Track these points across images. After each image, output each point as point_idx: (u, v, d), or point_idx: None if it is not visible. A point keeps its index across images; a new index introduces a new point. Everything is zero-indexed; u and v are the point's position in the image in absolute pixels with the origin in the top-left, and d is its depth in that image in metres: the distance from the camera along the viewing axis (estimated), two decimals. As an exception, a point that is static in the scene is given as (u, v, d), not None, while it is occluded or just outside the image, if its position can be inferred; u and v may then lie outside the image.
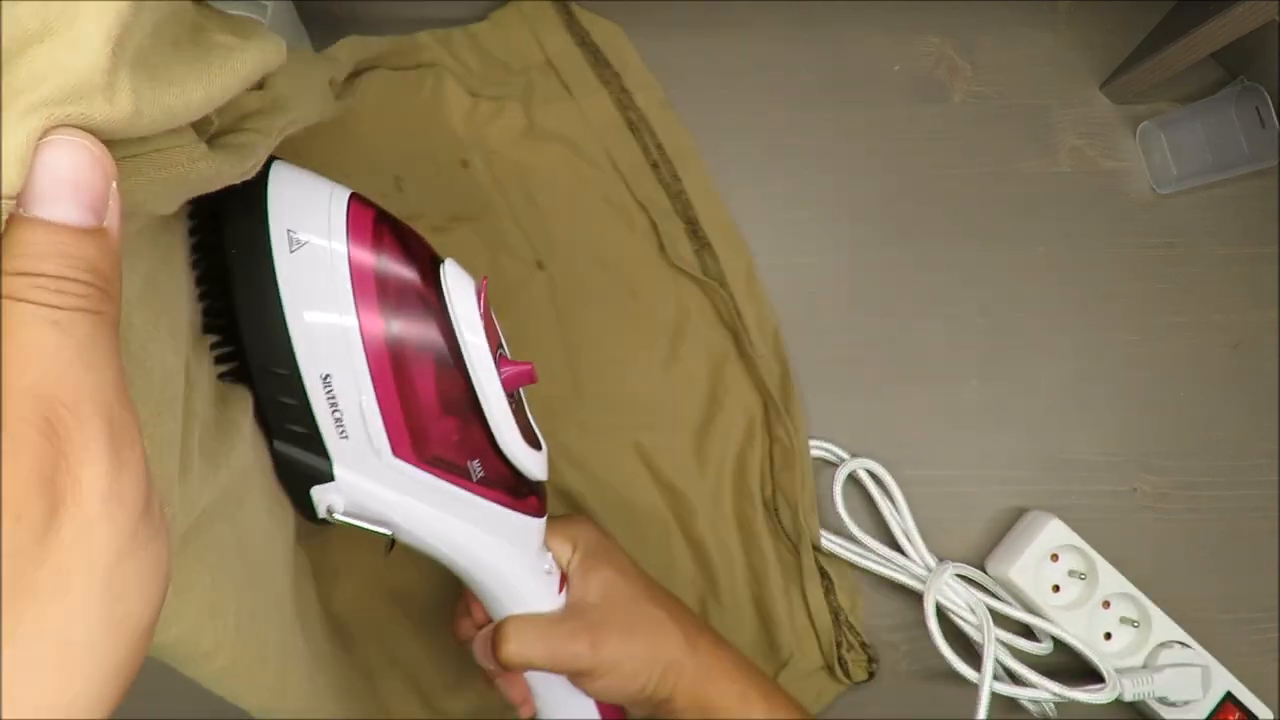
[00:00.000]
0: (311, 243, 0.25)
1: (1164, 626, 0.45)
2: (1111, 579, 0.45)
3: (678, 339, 0.48)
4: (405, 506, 0.28)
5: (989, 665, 0.42)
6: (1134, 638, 0.45)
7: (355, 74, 0.47)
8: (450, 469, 0.28)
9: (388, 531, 0.29)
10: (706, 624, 0.37)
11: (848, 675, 0.46)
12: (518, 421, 0.29)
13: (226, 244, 0.25)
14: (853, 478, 0.47)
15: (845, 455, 0.48)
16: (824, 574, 0.46)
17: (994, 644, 0.43)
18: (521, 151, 0.49)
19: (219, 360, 0.26)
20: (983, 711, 0.41)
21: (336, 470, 0.27)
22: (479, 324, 0.27)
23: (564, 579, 0.34)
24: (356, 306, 0.25)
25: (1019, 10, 0.52)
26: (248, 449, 0.25)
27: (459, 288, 0.27)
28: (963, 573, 0.46)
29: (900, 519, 0.47)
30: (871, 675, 0.46)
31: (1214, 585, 0.48)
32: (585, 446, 0.47)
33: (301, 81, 0.29)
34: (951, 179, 0.51)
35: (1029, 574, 0.45)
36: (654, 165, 0.49)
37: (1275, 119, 0.45)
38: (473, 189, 0.48)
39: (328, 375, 0.25)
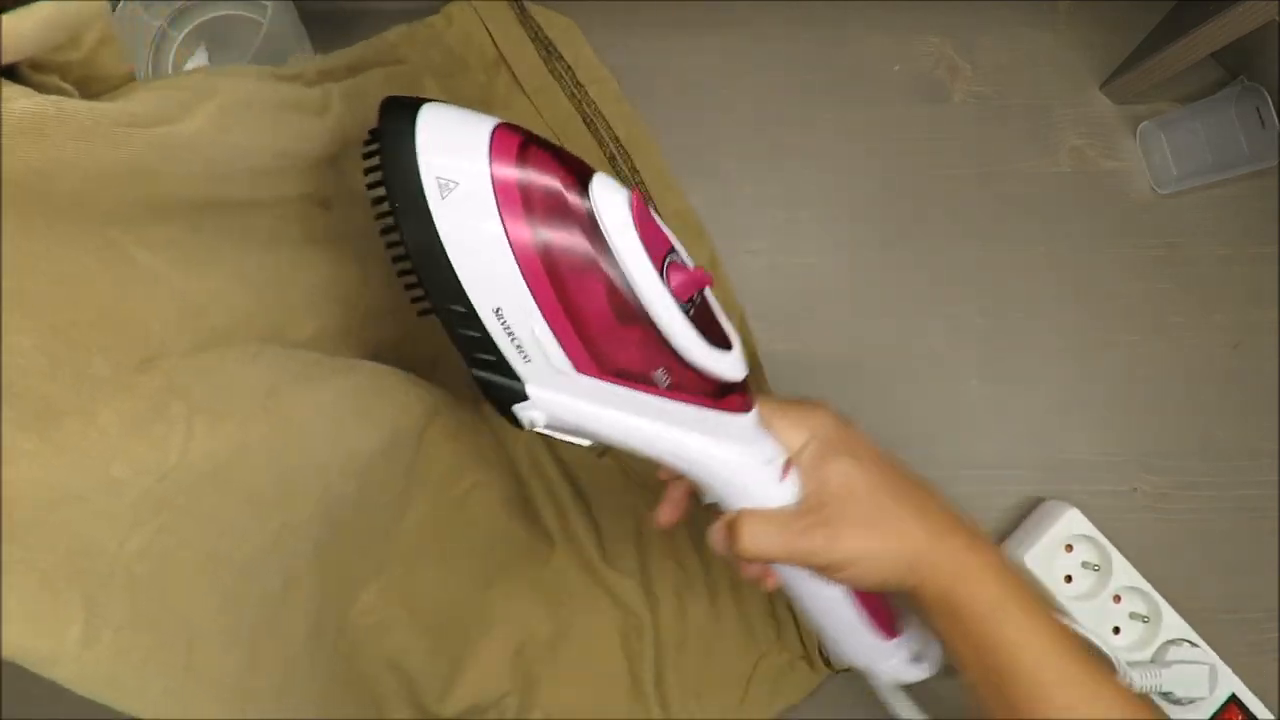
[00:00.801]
0: (460, 186, 0.26)
1: (1173, 624, 0.45)
2: (1125, 573, 0.45)
3: None
4: (602, 416, 0.29)
5: None
6: (1142, 633, 0.45)
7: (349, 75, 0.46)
8: (637, 379, 0.29)
9: (586, 442, 0.30)
10: (962, 522, 0.33)
11: (827, 664, 0.46)
12: (699, 326, 0.29)
13: (390, 200, 0.26)
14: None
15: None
16: None
17: None
18: None
19: (414, 300, 0.28)
20: None
21: (529, 389, 0.28)
22: (634, 235, 0.27)
23: (788, 466, 0.32)
24: (510, 242, 0.26)
25: (1019, 10, 0.52)
26: None
27: (608, 202, 0.27)
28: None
29: None
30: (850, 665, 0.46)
31: (1214, 585, 0.48)
32: (553, 446, 0.47)
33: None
34: (951, 179, 0.51)
35: (1043, 561, 0.45)
36: (610, 158, 0.49)
37: (1275, 119, 0.45)
38: None
39: (499, 308, 0.27)
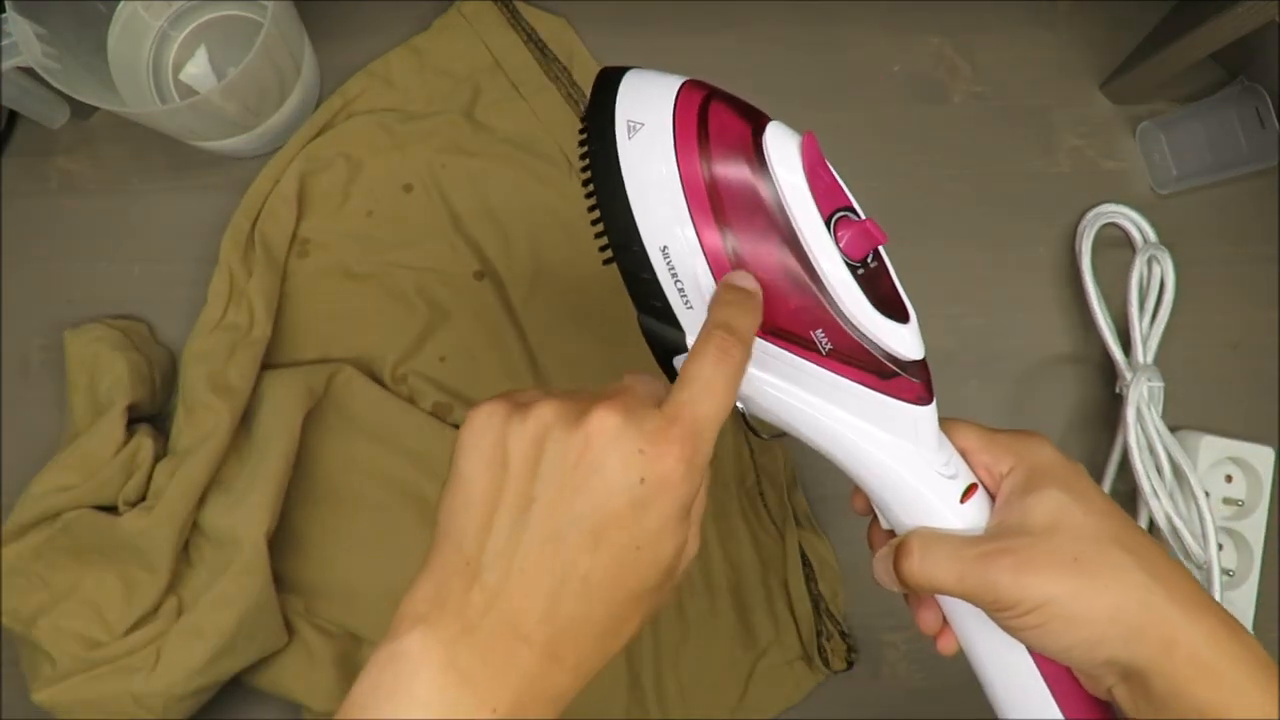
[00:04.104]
0: (646, 125, 0.27)
1: (1249, 595, 0.46)
2: (1257, 527, 0.46)
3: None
4: (758, 380, 0.28)
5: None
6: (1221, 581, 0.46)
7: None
8: (795, 340, 0.27)
9: (741, 406, 0.29)
10: (1210, 599, 0.26)
11: (826, 664, 0.46)
12: (870, 289, 0.27)
13: (589, 143, 0.28)
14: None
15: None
16: (806, 561, 0.47)
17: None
18: (466, 160, 0.49)
19: (601, 250, 0.29)
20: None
21: (689, 340, 0.28)
22: (801, 180, 0.27)
23: (972, 490, 0.28)
24: (681, 178, 0.27)
25: (1019, 10, 0.52)
26: None
27: (780, 151, 0.27)
28: (1157, 394, 0.46)
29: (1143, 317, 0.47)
30: (850, 665, 0.46)
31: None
32: None
33: None
34: (951, 179, 0.51)
35: (1210, 455, 0.46)
36: None
37: (1275, 119, 0.45)
38: (413, 212, 0.48)
39: (665, 247, 0.27)
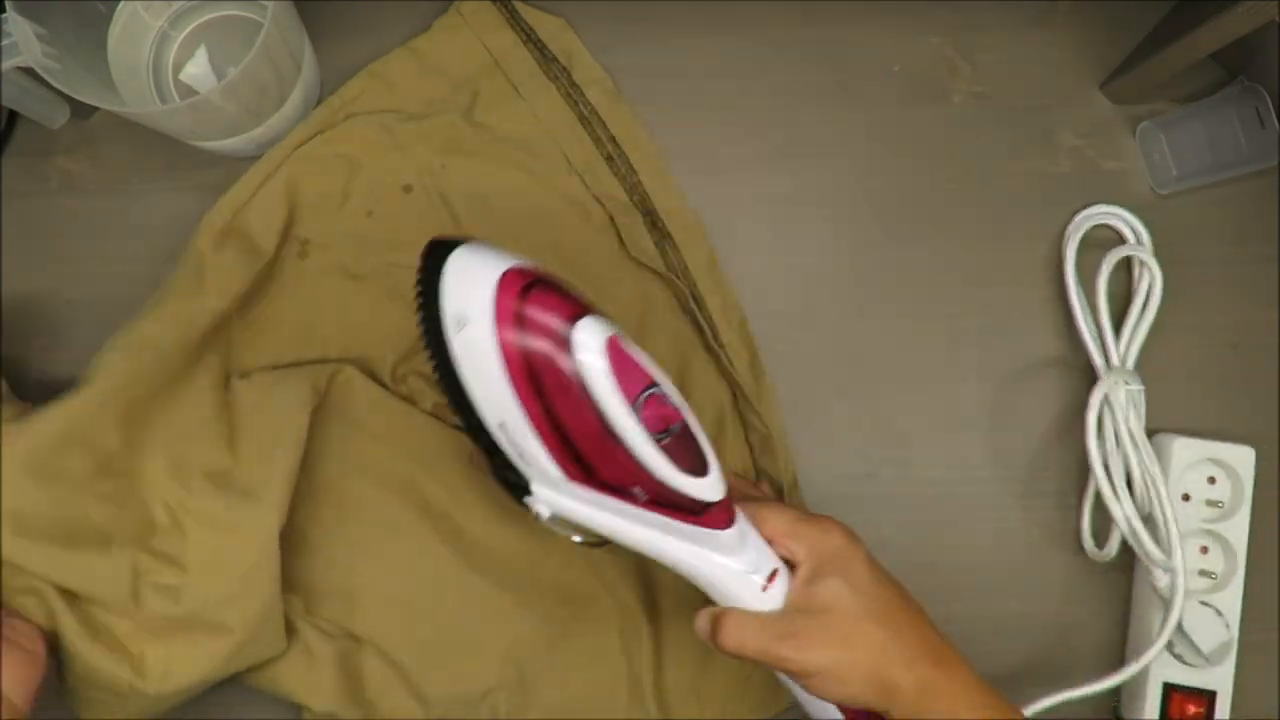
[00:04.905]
0: (470, 323, 0.32)
1: (1233, 598, 0.46)
2: (1239, 528, 0.46)
3: (641, 333, 0.48)
4: (595, 517, 0.34)
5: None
6: (1203, 584, 0.46)
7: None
8: (618, 491, 0.34)
9: (579, 539, 0.36)
10: (943, 649, 0.36)
11: None
12: (674, 453, 0.33)
13: (425, 333, 0.33)
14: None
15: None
16: None
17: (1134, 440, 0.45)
18: (465, 161, 0.49)
19: (453, 412, 0.34)
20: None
21: (533, 487, 0.34)
22: (606, 373, 0.32)
23: (773, 576, 0.36)
24: (509, 375, 0.31)
25: (1019, 10, 0.52)
26: None
27: (585, 345, 0.32)
28: (1135, 397, 0.46)
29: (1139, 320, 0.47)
30: None
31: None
32: None
33: None
34: (951, 179, 0.51)
35: (1186, 456, 0.46)
36: (609, 158, 0.49)
37: (1275, 119, 0.45)
38: (413, 213, 0.48)
39: (502, 423, 0.33)
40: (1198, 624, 0.45)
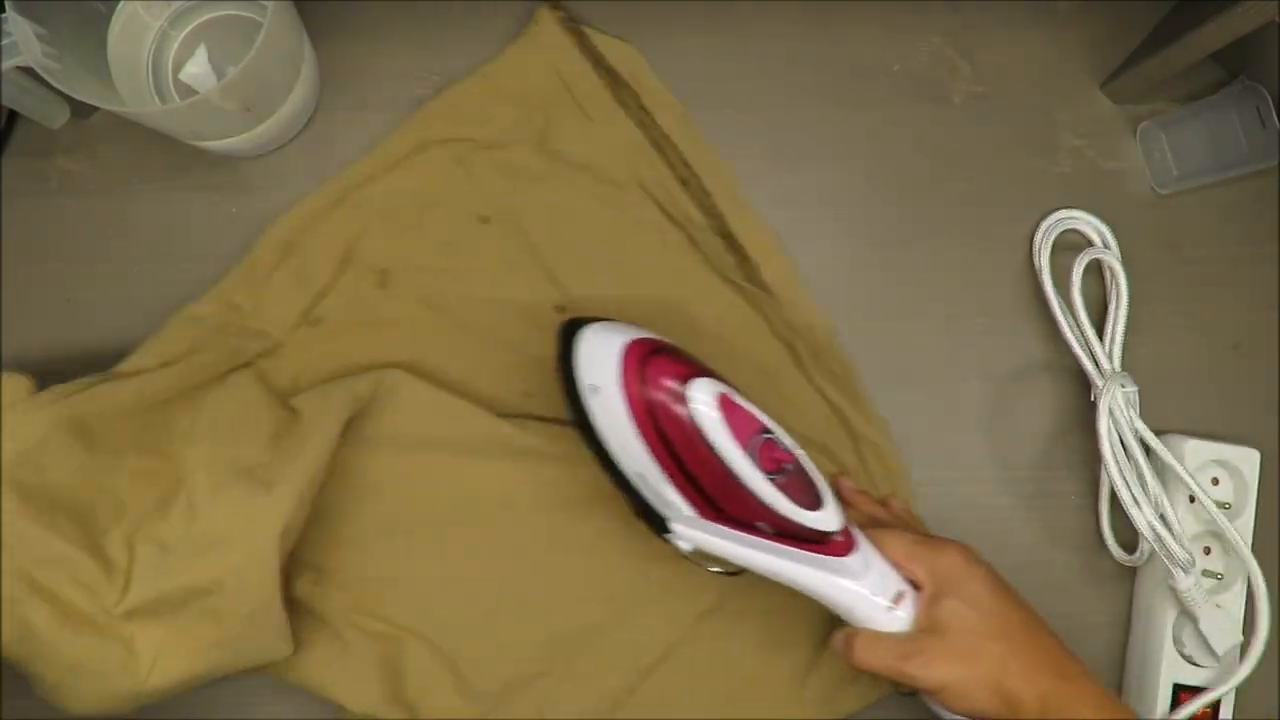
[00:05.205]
0: (602, 389, 0.37)
1: (1238, 598, 0.46)
2: (1244, 529, 0.46)
3: (731, 353, 0.48)
4: (729, 548, 0.38)
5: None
6: (1209, 584, 0.46)
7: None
8: (747, 526, 0.38)
9: (718, 569, 0.41)
10: (1065, 661, 0.38)
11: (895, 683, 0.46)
12: (789, 490, 0.37)
13: (568, 399, 0.39)
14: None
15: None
16: None
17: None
18: (540, 189, 0.49)
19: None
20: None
21: (672, 525, 0.38)
22: (720, 424, 0.36)
23: (900, 599, 0.39)
24: (638, 430, 0.37)
25: (1019, 10, 0.52)
26: None
27: (701, 399, 0.36)
28: (1132, 399, 0.46)
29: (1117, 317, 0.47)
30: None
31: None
32: None
33: None
34: (951, 179, 0.51)
35: (1195, 458, 0.47)
36: (683, 182, 0.49)
37: (1275, 119, 0.45)
38: (491, 244, 0.48)
39: (640, 473, 0.38)
40: (1212, 626, 0.44)
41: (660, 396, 0.37)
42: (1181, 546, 0.43)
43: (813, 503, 0.38)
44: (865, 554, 0.39)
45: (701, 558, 0.39)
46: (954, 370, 0.50)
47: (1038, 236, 0.50)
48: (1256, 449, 0.47)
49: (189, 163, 0.49)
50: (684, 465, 0.37)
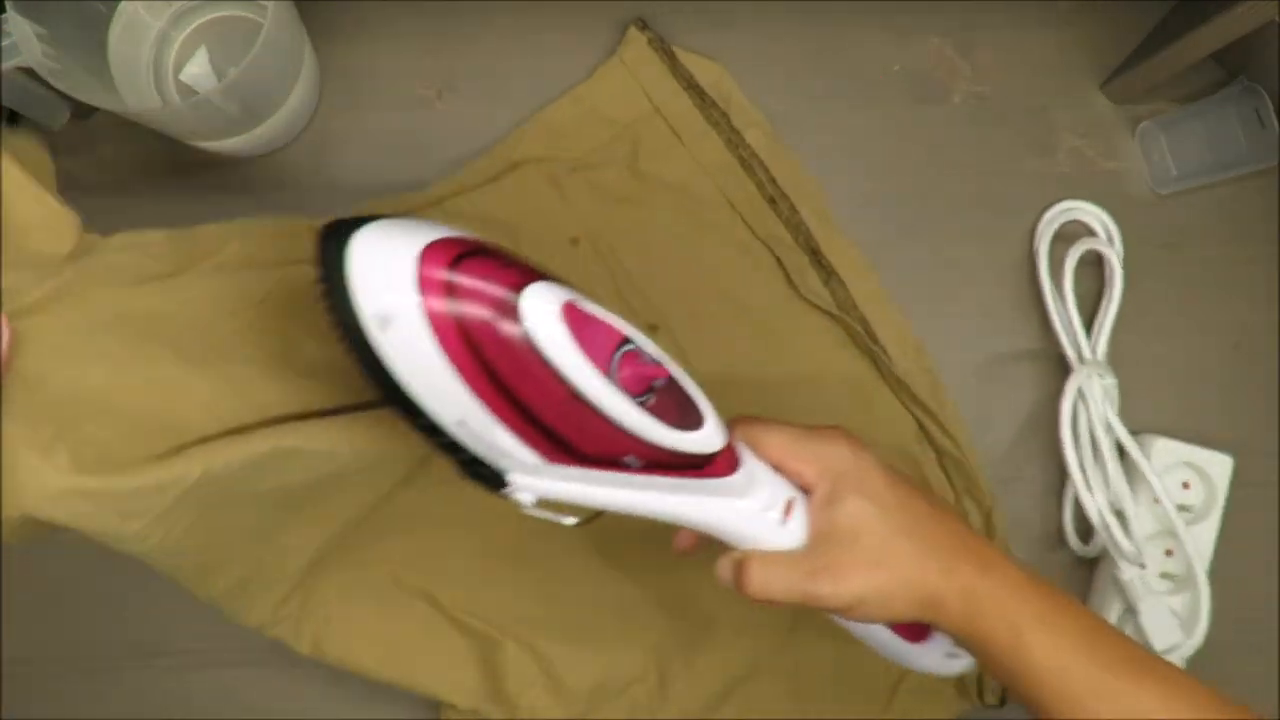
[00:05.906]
0: (396, 318, 0.26)
1: (1191, 602, 0.46)
2: (1206, 537, 0.46)
3: (819, 372, 0.48)
4: (586, 493, 0.31)
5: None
6: (1164, 586, 0.46)
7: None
8: (610, 463, 0.30)
9: (572, 520, 0.32)
10: (982, 549, 0.33)
11: (980, 695, 0.46)
12: (662, 411, 0.30)
13: (343, 339, 0.27)
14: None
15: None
16: None
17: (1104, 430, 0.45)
18: (631, 210, 0.49)
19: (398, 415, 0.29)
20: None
21: (510, 477, 0.30)
22: (566, 341, 0.27)
23: (790, 507, 0.33)
24: (453, 364, 0.27)
25: (1018, 10, 0.52)
26: None
27: (537, 313, 0.27)
28: (1110, 391, 0.46)
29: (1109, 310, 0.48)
30: (1003, 702, 0.46)
31: (1213, 585, 0.48)
32: None
33: None
34: (951, 179, 0.51)
35: (1165, 458, 0.46)
36: (771, 200, 0.49)
37: (1275, 119, 0.45)
38: (580, 265, 0.49)
39: (461, 420, 0.28)
40: (1153, 621, 0.45)
41: (480, 313, 0.26)
42: (1129, 539, 0.44)
43: (691, 421, 0.31)
44: (749, 466, 0.33)
45: (551, 509, 0.32)
46: (953, 368, 0.50)
47: (1041, 224, 0.50)
48: (1230, 454, 0.47)
49: (189, 163, 0.49)
50: (519, 402, 0.28)
